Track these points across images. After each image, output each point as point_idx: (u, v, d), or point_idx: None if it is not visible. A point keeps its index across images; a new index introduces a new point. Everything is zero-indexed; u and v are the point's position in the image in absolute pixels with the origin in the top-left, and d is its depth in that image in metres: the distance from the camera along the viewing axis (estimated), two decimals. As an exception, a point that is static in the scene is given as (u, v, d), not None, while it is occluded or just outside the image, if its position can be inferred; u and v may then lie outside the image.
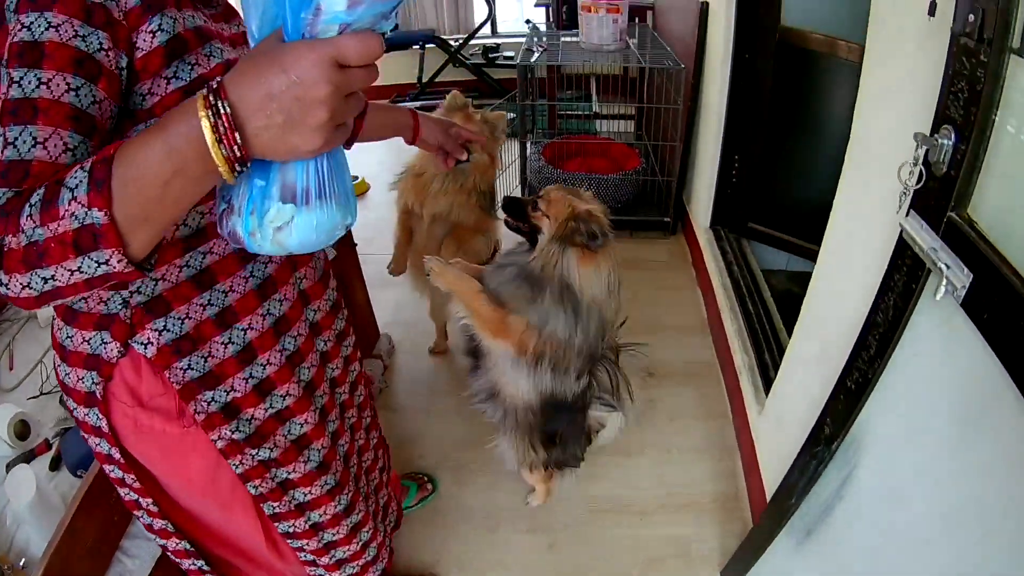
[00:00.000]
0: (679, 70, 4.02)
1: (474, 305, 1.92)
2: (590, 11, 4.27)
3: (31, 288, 0.84)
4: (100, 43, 0.91)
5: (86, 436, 1.30)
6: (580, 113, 6.16)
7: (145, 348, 1.17)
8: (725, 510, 2.65)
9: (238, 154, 0.78)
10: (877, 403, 1.55)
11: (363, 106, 0.90)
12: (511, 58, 6.88)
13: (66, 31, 0.88)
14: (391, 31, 0.82)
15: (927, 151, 1.22)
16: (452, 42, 7.11)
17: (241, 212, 0.89)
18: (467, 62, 7.05)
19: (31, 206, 0.81)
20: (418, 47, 7.01)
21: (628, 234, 4.58)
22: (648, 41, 4.52)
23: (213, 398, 1.25)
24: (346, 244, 2.99)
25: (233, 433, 1.30)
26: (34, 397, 2.36)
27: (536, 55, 4.39)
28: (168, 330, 1.17)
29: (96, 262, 0.82)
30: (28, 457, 2.12)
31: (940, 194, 1.20)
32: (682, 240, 4.55)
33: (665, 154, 4.61)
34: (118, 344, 1.16)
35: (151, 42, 0.97)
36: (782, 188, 3.65)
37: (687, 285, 4.06)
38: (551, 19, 5.67)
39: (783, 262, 3.90)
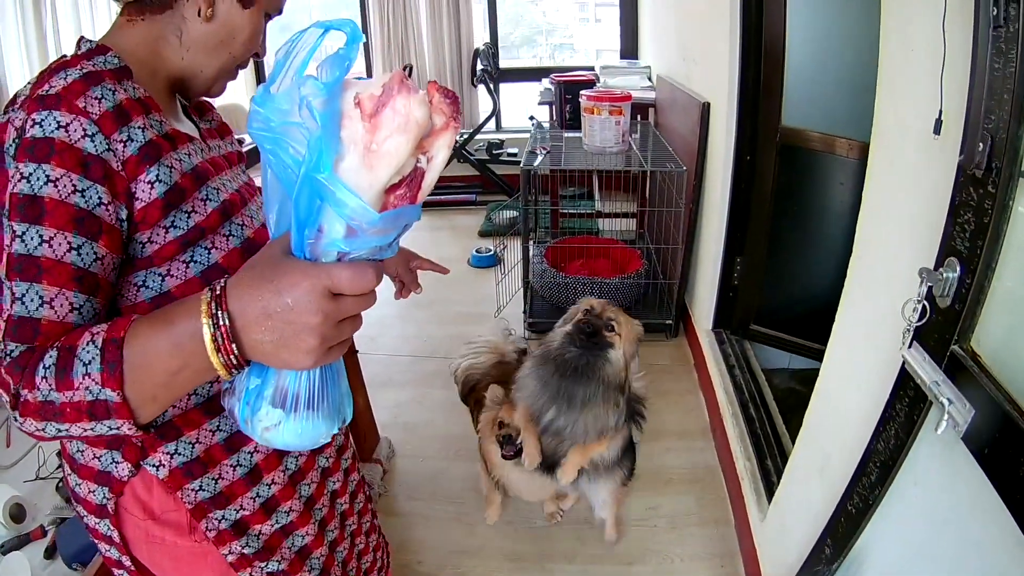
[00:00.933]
0: (682, 172, 4.03)
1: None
2: (592, 113, 4.30)
3: (44, 432, 0.89)
4: (99, 198, 0.94)
5: (96, 542, 1.31)
6: (582, 212, 6.15)
7: (157, 470, 1.18)
8: (729, 619, 2.53)
9: (234, 361, 0.82)
10: (877, 527, 1.53)
11: (359, 324, 0.90)
12: (515, 154, 6.94)
13: (65, 186, 0.91)
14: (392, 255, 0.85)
15: (931, 286, 1.21)
16: (457, 137, 6.96)
17: (240, 398, 0.91)
18: (471, 157, 7.04)
19: (45, 368, 0.85)
20: None
21: None
22: (650, 140, 4.55)
23: (224, 516, 1.27)
24: (352, 349, 2.97)
25: (243, 548, 1.31)
26: (31, 480, 2.35)
27: (539, 158, 4.40)
28: (179, 453, 1.19)
29: (108, 427, 0.88)
30: (22, 542, 2.12)
31: (944, 327, 1.19)
32: (684, 343, 4.50)
33: (667, 256, 4.60)
34: (129, 465, 1.18)
35: (150, 193, 1.00)
36: (784, 289, 3.64)
37: (689, 389, 4.01)
38: (554, 117, 5.69)
39: (785, 360, 3.86)
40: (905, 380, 1.34)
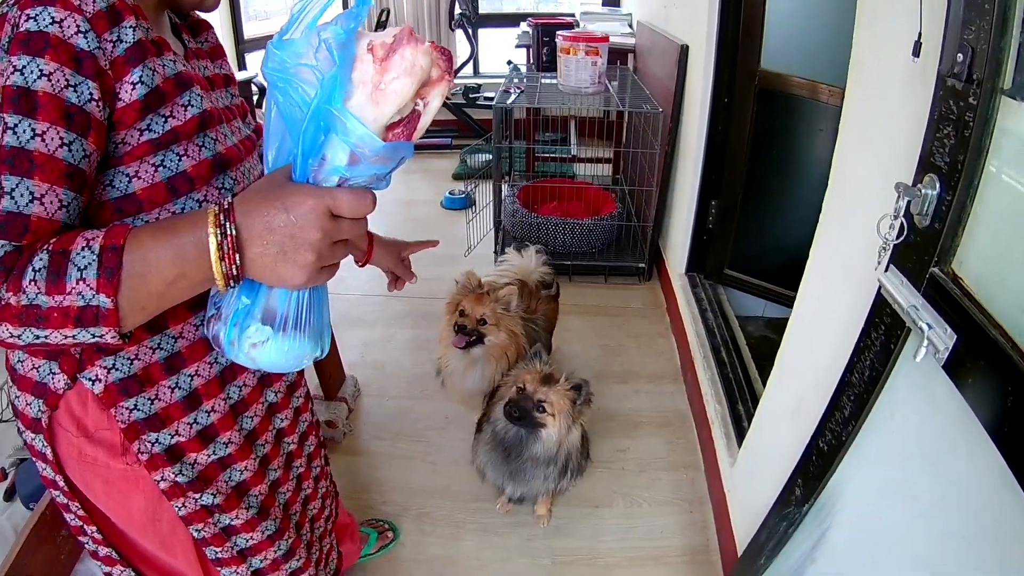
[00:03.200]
0: (657, 114, 4.00)
1: None
2: (568, 53, 4.24)
3: (19, 339, 0.88)
4: (90, 94, 0.93)
5: (34, 460, 1.30)
6: (558, 156, 6.14)
7: (93, 384, 1.16)
8: (695, 563, 2.57)
9: (235, 272, 0.88)
10: (851, 465, 1.49)
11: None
12: (491, 99, 6.70)
13: (58, 80, 0.89)
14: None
15: (909, 202, 1.15)
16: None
17: (227, 321, 0.98)
18: (448, 102, 6.53)
19: (35, 271, 0.85)
20: None
21: (603, 280, 4.54)
22: (628, 84, 4.49)
23: (157, 440, 1.24)
24: None
25: (176, 476, 1.29)
26: (-8, 423, 2.24)
27: (513, 96, 4.35)
28: (117, 368, 1.16)
29: (92, 335, 0.88)
30: (-18, 485, 2.02)
31: (922, 248, 1.13)
32: (657, 287, 4.50)
33: (641, 199, 4.61)
34: (65, 377, 1.16)
35: (131, 94, 0.99)
36: (760, 234, 3.62)
37: (661, 332, 4.01)
38: (531, 60, 5.60)
39: (759, 308, 3.86)
40: (881, 306, 1.28)
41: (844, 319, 1.58)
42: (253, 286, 0.96)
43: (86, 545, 1.45)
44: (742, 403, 2.83)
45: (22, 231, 0.88)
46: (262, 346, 0.97)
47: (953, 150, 1.06)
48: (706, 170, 3.63)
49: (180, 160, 1.07)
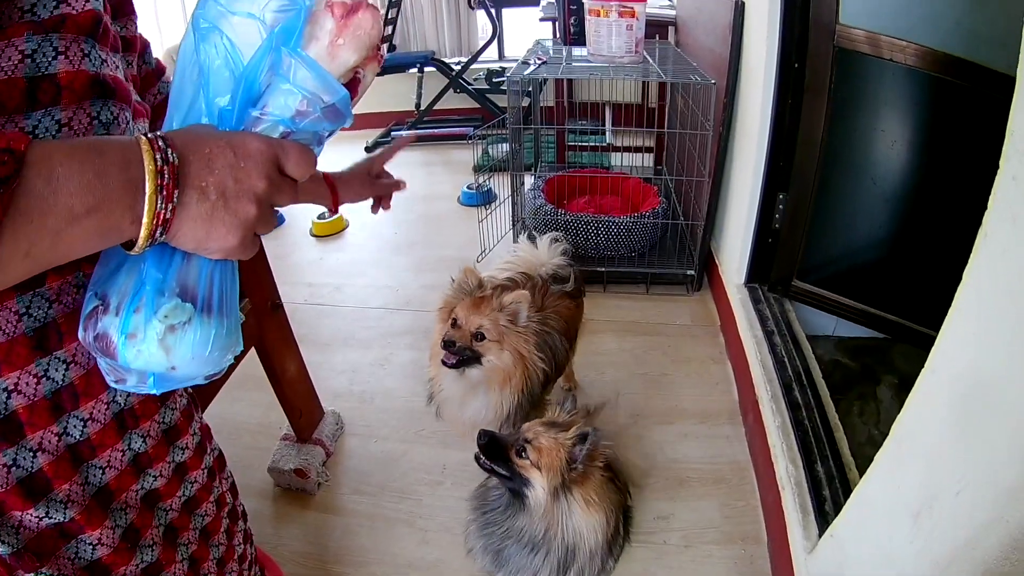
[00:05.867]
0: (709, 86, 3.51)
1: None
2: (599, 15, 3.74)
3: None
4: None
5: None
6: (592, 145, 5.86)
7: None
8: None
9: (167, 216, 0.74)
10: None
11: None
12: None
13: None
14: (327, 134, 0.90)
15: None
16: (454, 65, 6.81)
17: (121, 310, 0.84)
18: (469, 87, 6.71)
19: None
20: (416, 70, 6.75)
21: (643, 290, 4.10)
22: (670, 57, 4.09)
23: None
24: (264, 305, 2.47)
25: None
26: None
27: (532, 67, 3.89)
28: None
29: None
30: None
31: None
32: (708, 299, 4.02)
33: (690, 192, 4.21)
34: None
35: None
36: (839, 237, 3.09)
37: (715, 357, 3.49)
38: (558, 34, 5.11)
39: (829, 326, 3.41)
40: None
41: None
42: (164, 256, 0.84)
43: None
44: (822, 462, 2.29)
45: None
46: (182, 329, 0.84)
47: None
48: (772, 155, 3.08)
49: (55, 59, 0.85)
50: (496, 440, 1.82)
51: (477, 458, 1.84)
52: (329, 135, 0.89)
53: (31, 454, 0.97)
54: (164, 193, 0.72)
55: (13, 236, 0.67)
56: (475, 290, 2.31)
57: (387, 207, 1.72)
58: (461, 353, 2.16)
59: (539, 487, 1.78)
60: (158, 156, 0.72)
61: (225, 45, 0.79)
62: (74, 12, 0.94)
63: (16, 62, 0.81)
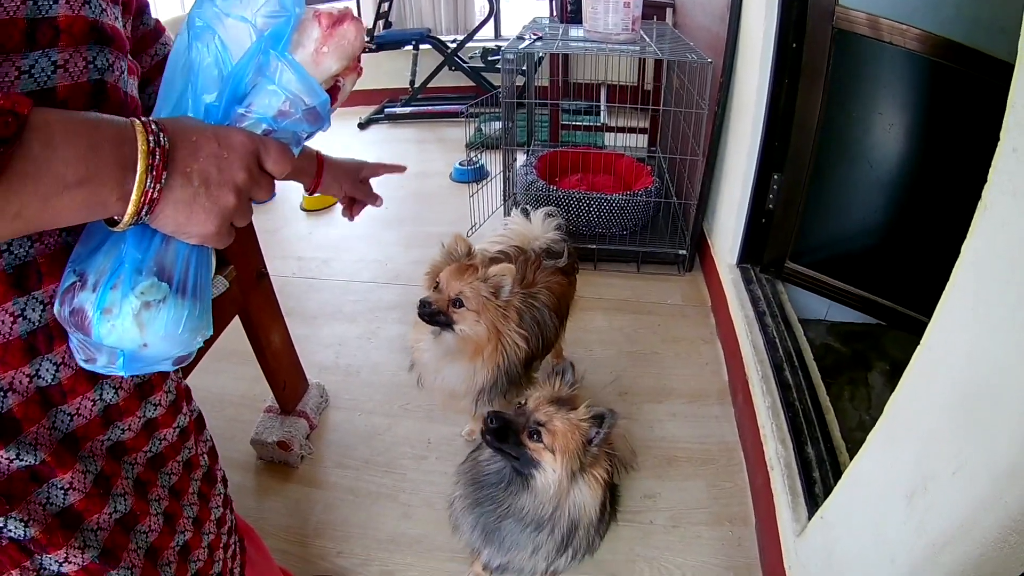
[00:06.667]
0: (705, 64, 3.50)
1: None
2: None
3: None
4: None
5: None
6: (586, 124, 5.81)
7: None
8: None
9: (154, 196, 0.79)
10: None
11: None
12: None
13: None
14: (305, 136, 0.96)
15: None
16: (450, 43, 6.76)
17: (98, 286, 0.87)
18: (464, 65, 6.69)
19: None
20: (411, 47, 6.69)
21: (634, 268, 4.08)
22: (668, 36, 4.10)
23: None
24: (250, 273, 2.43)
25: None
26: None
27: (527, 42, 3.87)
28: None
29: None
30: None
31: None
32: (700, 279, 4.00)
33: (683, 171, 4.18)
34: None
35: None
36: (834, 218, 3.08)
37: (705, 337, 3.47)
38: (554, 13, 5.10)
39: (822, 310, 3.42)
40: None
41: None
42: (144, 237, 0.87)
43: None
44: (812, 444, 2.28)
45: None
46: (158, 307, 0.88)
47: None
48: (767, 135, 3.08)
49: (56, 2, 0.86)
50: (507, 424, 1.76)
51: (483, 435, 1.78)
52: (307, 137, 0.95)
53: (1, 393, 0.96)
54: (154, 173, 0.76)
55: (6, 196, 0.69)
56: (463, 257, 2.29)
57: (353, 217, 1.76)
58: (434, 315, 2.15)
59: (549, 470, 1.74)
60: (151, 138, 0.76)
61: (216, 45, 0.84)
62: None
63: (18, 3, 0.81)
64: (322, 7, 0.90)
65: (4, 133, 0.66)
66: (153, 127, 0.77)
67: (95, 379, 1.09)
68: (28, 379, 0.99)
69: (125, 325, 0.87)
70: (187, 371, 1.71)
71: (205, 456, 1.43)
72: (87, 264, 0.89)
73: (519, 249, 2.63)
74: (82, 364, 0.94)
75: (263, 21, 0.84)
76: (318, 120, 0.92)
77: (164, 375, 1.28)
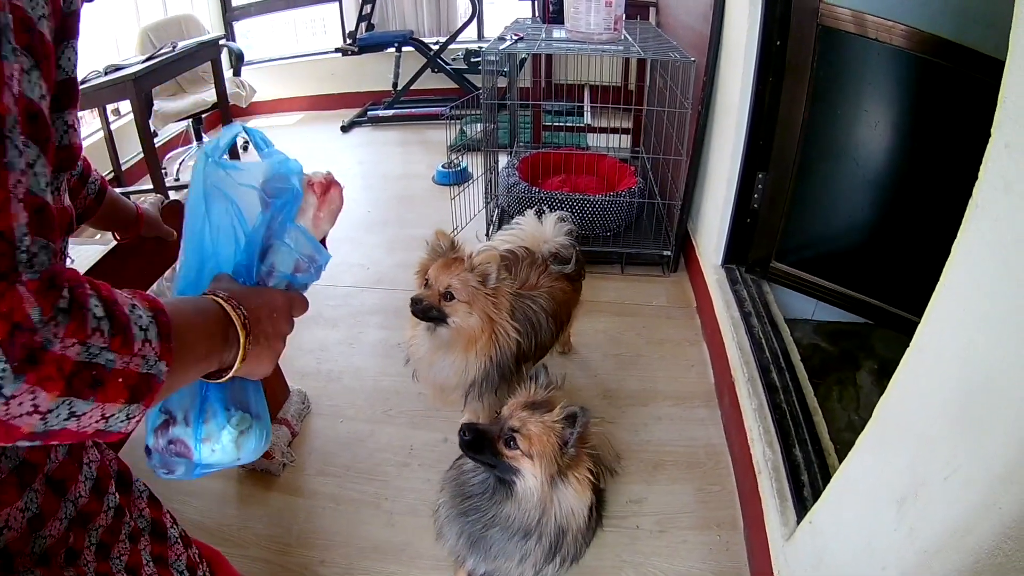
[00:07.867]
0: (688, 64, 3.50)
1: None
2: None
3: (45, 423, 0.65)
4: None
5: None
6: (569, 125, 5.87)
7: None
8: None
9: (245, 356, 0.94)
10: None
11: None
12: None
13: None
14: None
15: None
16: (432, 45, 6.74)
17: (190, 421, 1.02)
18: (447, 67, 6.67)
19: (97, 318, 0.67)
20: (394, 50, 6.65)
21: (618, 270, 4.07)
22: (651, 35, 4.11)
23: None
24: None
25: None
26: None
27: (508, 42, 3.86)
28: None
29: (127, 416, 0.74)
30: None
31: None
32: (685, 280, 3.99)
33: (667, 172, 4.16)
34: None
35: None
36: (819, 217, 3.08)
37: (690, 339, 3.45)
38: (536, 13, 5.06)
39: (808, 310, 3.41)
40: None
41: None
42: (221, 385, 1.01)
43: None
44: (800, 446, 2.27)
45: (52, 228, 0.70)
46: (248, 432, 1.04)
47: None
48: (751, 134, 3.07)
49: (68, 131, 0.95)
50: (481, 434, 1.77)
51: (467, 449, 1.79)
52: (312, 282, 1.09)
53: None
54: (251, 336, 0.93)
55: (173, 375, 0.79)
56: (447, 252, 2.31)
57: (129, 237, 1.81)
58: (427, 311, 2.20)
59: (529, 476, 1.73)
60: (242, 317, 0.92)
61: (233, 213, 0.99)
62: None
63: None
64: (308, 173, 1.05)
65: (165, 330, 0.77)
66: (240, 309, 0.93)
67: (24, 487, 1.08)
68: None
69: (227, 449, 1.05)
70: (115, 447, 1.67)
71: (146, 511, 1.39)
72: (174, 404, 1.03)
73: (527, 250, 2.65)
74: (162, 476, 1.06)
75: (269, 187, 0.99)
76: (319, 272, 1.06)
77: (78, 467, 1.21)
